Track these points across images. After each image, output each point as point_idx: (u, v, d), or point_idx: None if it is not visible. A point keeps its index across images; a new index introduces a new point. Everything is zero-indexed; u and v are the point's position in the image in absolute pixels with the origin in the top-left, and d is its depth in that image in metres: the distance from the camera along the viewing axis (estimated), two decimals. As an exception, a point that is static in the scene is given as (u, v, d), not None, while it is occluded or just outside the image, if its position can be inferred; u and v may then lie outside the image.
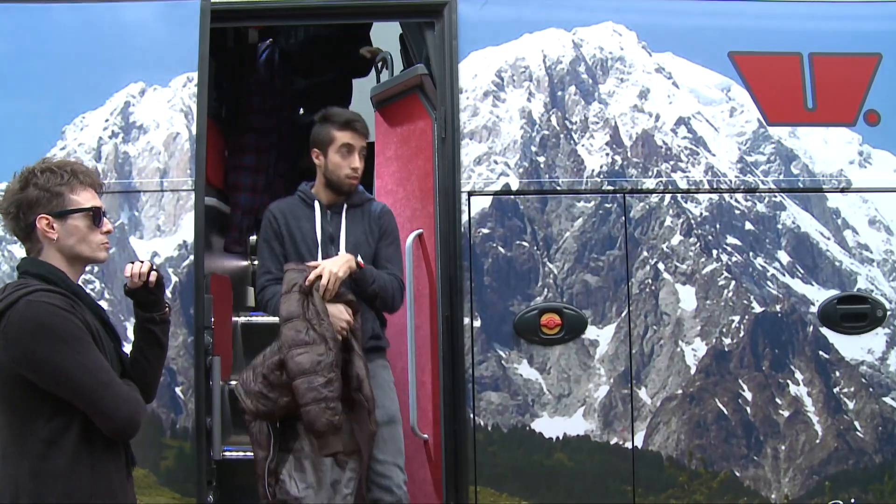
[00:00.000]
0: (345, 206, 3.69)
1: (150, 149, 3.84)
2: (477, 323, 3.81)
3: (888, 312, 3.94)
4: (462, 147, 3.87)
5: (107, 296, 3.74)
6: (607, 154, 3.95)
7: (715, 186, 3.96)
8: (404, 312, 3.88)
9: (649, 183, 3.93)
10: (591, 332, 3.88)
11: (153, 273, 2.66)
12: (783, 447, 3.89)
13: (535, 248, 3.90)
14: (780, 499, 3.84)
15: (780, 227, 4.00)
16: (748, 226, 3.97)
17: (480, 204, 3.87)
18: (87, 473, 2.43)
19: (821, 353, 3.93)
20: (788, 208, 4.00)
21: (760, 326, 3.93)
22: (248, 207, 4.81)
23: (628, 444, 3.83)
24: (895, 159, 4.01)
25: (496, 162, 3.91)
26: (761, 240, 3.97)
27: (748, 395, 3.91)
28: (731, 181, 3.96)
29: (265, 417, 3.41)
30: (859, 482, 3.87)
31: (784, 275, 3.97)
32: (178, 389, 3.72)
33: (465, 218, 3.84)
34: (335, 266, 3.43)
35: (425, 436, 3.97)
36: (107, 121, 3.85)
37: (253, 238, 5.06)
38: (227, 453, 4.07)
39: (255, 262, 4.97)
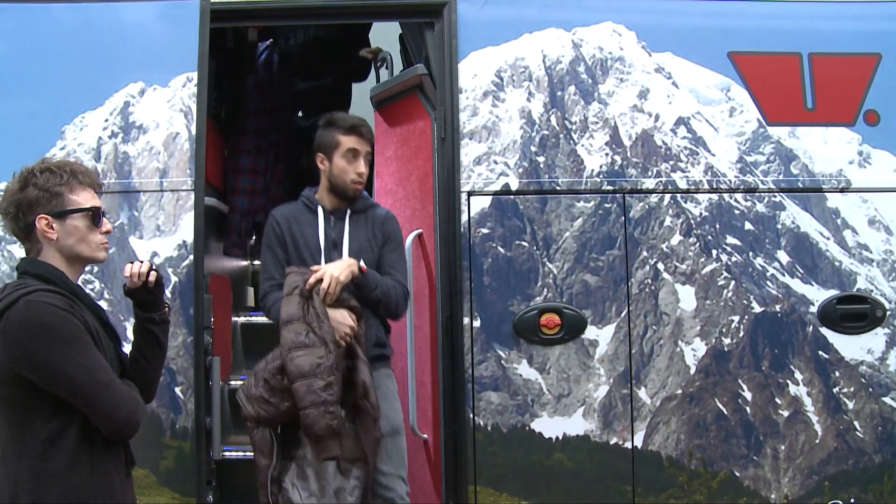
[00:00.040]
0: (348, 211, 3.65)
1: (149, 149, 3.84)
2: (477, 323, 3.81)
3: (888, 312, 3.94)
4: (462, 147, 3.87)
5: (106, 296, 3.74)
6: (607, 154, 3.95)
7: (714, 186, 3.96)
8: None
9: (649, 183, 3.93)
10: (590, 332, 3.88)
11: (153, 273, 2.66)
12: (783, 447, 3.89)
13: (535, 248, 3.90)
14: (779, 499, 3.84)
15: (779, 227, 4.00)
16: (748, 226, 3.97)
17: (480, 204, 3.87)
18: (86, 473, 2.43)
19: (820, 353, 3.93)
20: (788, 208, 4.01)
21: (760, 326, 3.93)
22: (247, 210, 4.79)
23: (628, 444, 3.83)
24: (895, 159, 4.01)
25: (496, 162, 3.91)
26: (761, 240, 3.97)
27: (748, 395, 3.91)
28: (730, 181, 3.96)
29: (267, 423, 3.37)
30: (859, 482, 3.87)
31: (784, 275, 3.97)
32: (177, 389, 3.72)
33: (464, 218, 3.84)
34: (337, 270, 3.39)
35: (425, 436, 3.97)
36: (106, 121, 3.85)
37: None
38: (226, 453, 4.07)
39: (255, 262, 4.99)
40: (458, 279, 3.79)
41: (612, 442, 3.84)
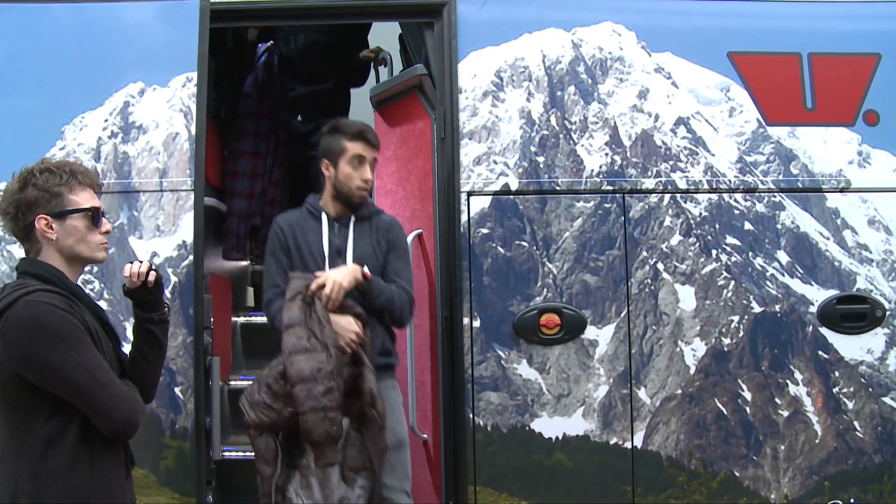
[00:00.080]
0: (352, 218, 3.60)
1: (149, 149, 3.84)
2: (476, 323, 3.81)
3: (887, 312, 3.94)
4: (461, 147, 3.87)
5: (106, 296, 3.74)
6: (607, 154, 3.95)
7: (714, 186, 3.96)
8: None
9: (649, 183, 3.93)
10: (590, 332, 3.88)
11: (152, 273, 2.66)
12: (783, 447, 3.89)
13: (535, 248, 3.90)
14: (779, 499, 3.84)
15: (779, 227, 4.00)
16: (747, 226, 3.97)
17: (480, 204, 3.87)
18: (86, 473, 2.43)
19: (820, 353, 3.93)
20: (788, 208, 4.01)
21: (760, 326, 3.93)
22: (245, 213, 4.75)
23: (628, 444, 3.83)
24: (894, 159, 4.02)
25: (495, 162, 3.91)
26: (761, 240, 3.97)
27: (747, 395, 3.91)
28: (730, 181, 3.97)
29: (270, 430, 3.31)
30: (859, 482, 3.87)
31: (783, 275, 3.97)
32: (177, 389, 3.72)
33: (464, 218, 3.84)
34: (340, 275, 3.35)
35: (425, 436, 3.97)
36: (106, 121, 3.85)
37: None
38: (226, 453, 4.08)
39: (255, 251, 4.98)
40: (458, 279, 3.79)
41: (611, 442, 3.84)
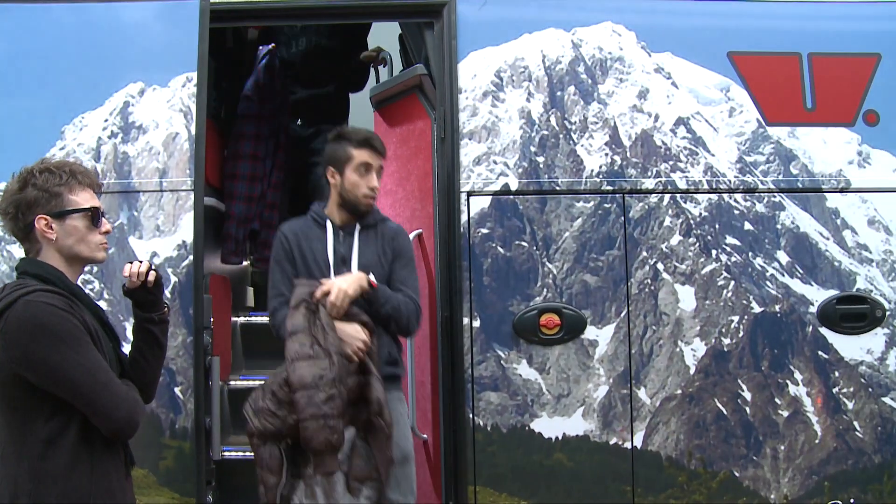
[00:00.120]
0: (357, 226, 3.55)
1: (149, 149, 3.85)
2: (476, 323, 3.81)
3: (887, 312, 3.94)
4: (461, 147, 3.87)
5: (106, 296, 3.74)
6: (606, 154, 3.95)
7: (714, 186, 3.96)
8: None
9: (648, 183, 3.94)
10: (590, 333, 3.88)
11: (152, 273, 2.66)
12: (782, 447, 3.89)
13: (535, 248, 3.90)
14: (779, 499, 3.84)
15: (779, 227, 4.00)
16: (747, 226, 3.97)
17: (480, 204, 3.87)
18: (86, 473, 2.43)
19: (820, 353, 3.93)
20: (788, 208, 4.01)
21: (760, 326, 3.93)
22: (244, 217, 4.71)
23: (627, 445, 3.83)
24: (894, 159, 4.02)
25: (495, 162, 3.91)
26: (760, 240, 3.98)
27: (747, 395, 3.91)
28: (730, 181, 3.97)
29: (273, 438, 3.24)
30: (858, 482, 3.87)
31: (783, 275, 3.97)
32: (177, 389, 3.72)
33: (464, 218, 3.84)
34: (345, 283, 3.30)
35: (424, 436, 3.97)
36: (106, 121, 3.85)
37: (246, 264, 5.03)
38: (226, 453, 4.08)
39: (255, 255, 4.98)
40: (458, 279, 3.79)
41: (611, 442, 3.84)
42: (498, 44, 3.97)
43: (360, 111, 5.19)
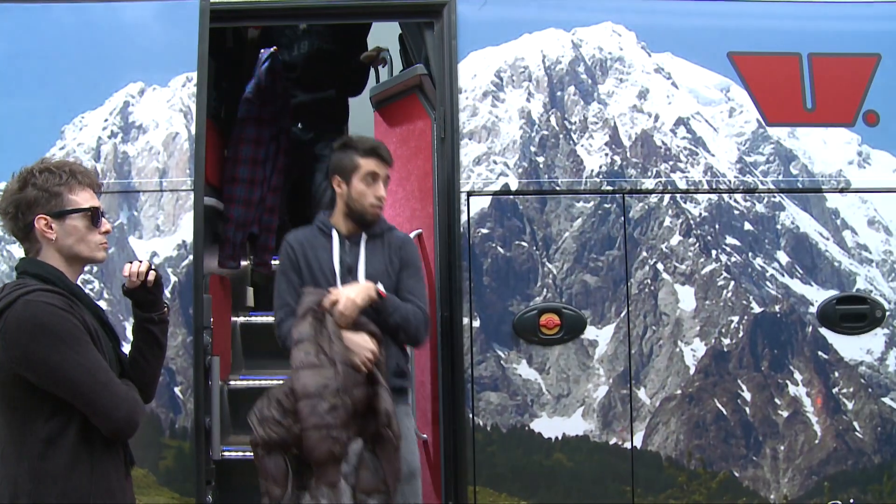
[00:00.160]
0: (364, 236, 3.51)
1: (149, 149, 3.85)
2: (476, 323, 3.81)
3: (887, 313, 3.94)
4: (461, 147, 3.87)
5: (106, 296, 3.74)
6: (606, 154, 3.95)
7: (714, 187, 3.96)
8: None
9: (648, 183, 3.94)
10: (590, 333, 3.88)
11: (151, 273, 2.66)
12: (782, 447, 3.89)
13: (535, 248, 3.90)
14: (778, 499, 3.84)
15: (779, 227, 4.00)
16: (747, 226, 3.97)
17: (480, 204, 3.87)
18: (85, 473, 2.44)
19: (820, 353, 3.93)
20: (787, 209, 4.01)
21: (759, 327, 3.93)
22: (242, 221, 4.65)
23: (627, 445, 3.83)
24: (894, 160, 4.01)
25: (495, 162, 3.91)
26: (760, 240, 3.98)
27: (747, 395, 3.91)
28: (730, 181, 3.97)
29: (278, 448, 3.17)
30: (858, 482, 3.87)
31: (783, 275, 3.98)
32: (177, 389, 3.72)
33: (464, 218, 3.84)
34: (353, 292, 3.26)
35: (424, 436, 3.97)
36: (106, 120, 3.85)
37: (245, 263, 5.01)
38: (226, 453, 4.08)
39: (255, 260, 4.97)
40: (458, 279, 3.79)
41: (611, 442, 3.84)
42: (498, 44, 3.97)
43: (360, 111, 5.19)
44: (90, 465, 2.45)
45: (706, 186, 3.95)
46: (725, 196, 3.97)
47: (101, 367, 2.44)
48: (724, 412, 3.89)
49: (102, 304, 3.58)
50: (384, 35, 5.11)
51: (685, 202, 3.95)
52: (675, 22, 4.05)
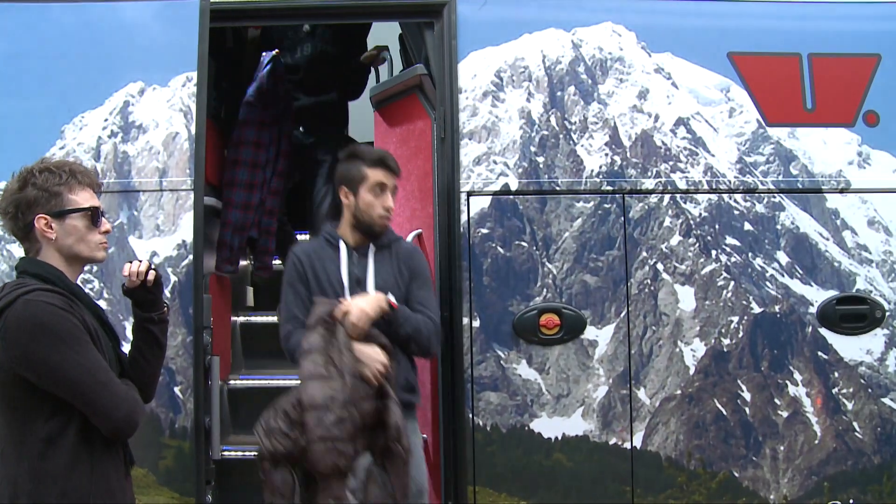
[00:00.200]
0: (371, 247, 3.47)
1: (149, 148, 3.85)
2: (476, 323, 3.81)
3: (887, 313, 3.94)
4: (461, 147, 3.87)
5: (105, 295, 3.74)
6: (606, 154, 3.95)
7: (714, 187, 3.96)
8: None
9: (648, 183, 3.94)
10: (590, 333, 3.88)
11: (151, 272, 2.66)
12: (782, 448, 3.89)
13: (535, 248, 3.90)
14: (778, 499, 3.84)
15: (779, 227, 4.00)
16: (747, 226, 3.97)
17: (479, 204, 3.87)
18: (85, 473, 2.44)
19: (820, 353, 3.93)
20: (787, 209, 4.01)
21: (759, 327, 3.93)
22: (240, 224, 4.61)
23: (627, 445, 3.83)
24: (894, 160, 4.01)
25: (495, 162, 3.91)
26: (760, 240, 3.97)
27: (747, 395, 3.91)
28: (730, 182, 3.97)
29: (285, 460, 3.10)
30: (858, 483, 3.87)
31: (783, 275, 3.98)
32: (176, 389, 3.72)
33: (464, 218, 3.84)
34: (365, 304, 3.21)
35: (424, 436, 3.96)
36: (106, 120, 3.86)
37: (244, 263, 5.00)
38: (225, 453, 4.08)
39: (255, 263, 4.97)
40: (458, 279, 3.79)
41: (611, 442, 3.84)
42: (498, 44, 3.97)
43: (360, 112, 5.19)
44: (90, 464, 2.45)
45: (706, 187, 3.95)
46: (725, 196, 3.97)
47: (101, 366, 2.44)
48: (724, 412, 3.89)
49: (102, 303, 3.59)
50: (384, 35, 5.11)
51: (685, 202, 3.95)
52: (676, 22, 4.05)
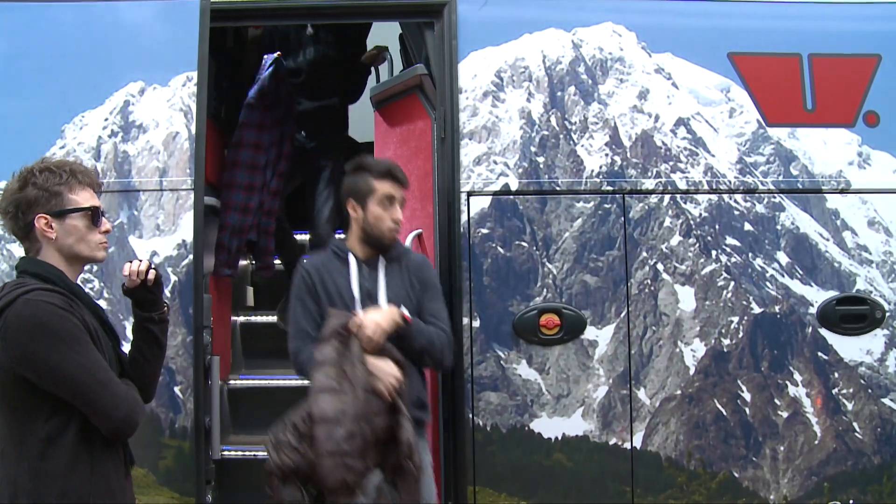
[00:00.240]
0: (381, 259, 3.41)
1: (149, 148, 3.85)
2: (476, 323, 3.81)
3: (887, 314, 3.94)
4: (461, 147, 3.87)
5: (106, 295, 3.74)
6: (607, 154, 3.95)
7: (714, 187, 3.96)
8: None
9: (649, 183, 3.94)
10: (590, 333, 3.88)
11: (151, 272, 2.66)
12: (782, 448, 3.89)
13: (535, 248, 3.90)
14: (778, 499, 3.84)
15: (779, 227, 4.00)
16: (747, 226, 3.97)
17: (480, 204, 3.87)
18: (85, 473, 2.44)
19: (820, 354, 3.93)
20: (788, 209, 4.01)
21: (759, 327, 3.93)
22: (238, 227, 4.57)
23: (627, 445, 3.83)
24: (894, 160, 4.01)
25: (495, 162, 3.91)
26: (760, 241, 3.98)
27: (747, 395, 3.91)
28: (730, 182, 3.97)
29: (295, 475, 3.01)
30: (858, 483, 3.87)
31: (783, 276, 3.98)
32: (176, 389, 3.72)
33: (464, 218, 3.84)
34: (380, 317, 3.16)
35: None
36: (106, 120, 3.86)
37: (244, 263, 4.99)
38: (225, 453, 4.08)
39: (255, 263, 4.97)
40: (458, 279, 3.79)
41: (611, 442, 3.84)
42: (498, 44, 3.97)
43: (360, 112, 5.19)
44: (90, 464, 2.45)
45: (706, 187, 3.95)
46: (725, 196, 3.97)
47: (101, 366, 2.44)
48: (724, 413, 3.89)
49: (102, 303, 3.58)
50: (384, 35, 5.11)
51: (685, 202, 3.95)
52: (676, 22, 4.05)
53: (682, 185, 3.94)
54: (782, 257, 3.99)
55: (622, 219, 3.91)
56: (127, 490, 2.59)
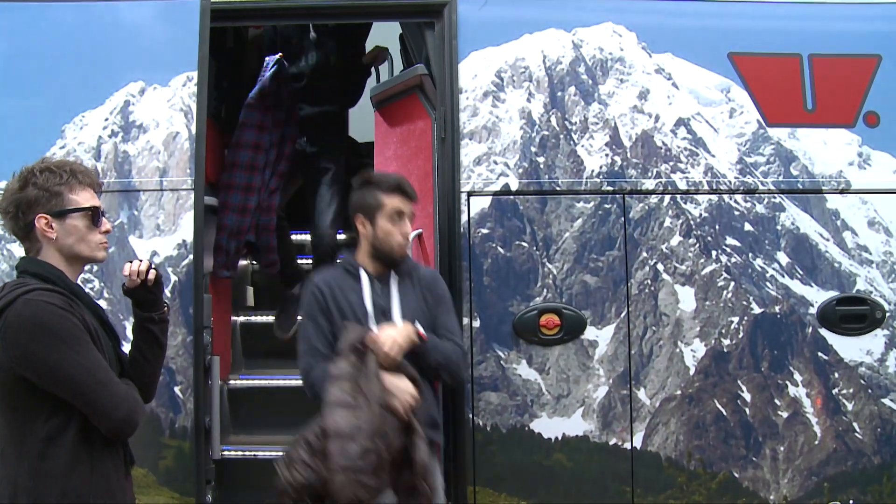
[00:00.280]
0: (393, 275, 3.36)
1: (149, 148, 3.85)
2: (476, 323, 3.82)
3: (887, 314, 3.94)
4: (462, 147, 3.87)
5: (106, 295, 3.74)
6: (607, 155, 3.95)
7: (714, 187, 3.96)
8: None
9: (649, 184, 3.94)
10: (590, 333, 3.88)
11: (152, 272, 2.66)
12: (782, 448, 3.89)
13: (535, 248, 3.90)
14: (778, 500, 3.84)
15: (779, 228, 4.00)
16: (747, 227, 3.97)
17: (480, 204, 3.87)
18: (85, 473, 2.44)
19: (820, 354, 3.93)
20: (788, 209, 4.01)
21: (759, 327, 3.93)
22: (237, 229, 4.53)
23: (627, 445, 3.83)
24: (894, 161, 4.01)
25: (496, 162, 3.91)
26: (761, 241, 3.98)
27: (747, 396, 3.91)
28: (730, 182, 3.97)
29: (306, 493, 2.95)
30: (858, 483, 3.87)
31: (783, 276, 3.98)
32: (177, 389, 3.72)
33: (464, 218, 3.84)
34: (396, 333, 3.11)
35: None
36: (106, 120, 3.86)
37: (244, 263, 4.97)
38: (225, 453, 4.08)
39: (261, 261, 4.96)
40: (458, 279, 3.79)
41: (611, 442, 3.84)
42: (498, 44, 3.97)
43: (361, 113, 5.19)
44: (90, 464, 2.45)
45: (706, 187, 3.95)
46: (726, 197, 3.97)
47: (101, 366, 2.44)
48: (724, 413, 3.89)
49: (102, 303, 3.58)
50: (384, 35, 5.11)
51: (685, 203, 3.95)
52: (676, 22, 4.05)
53: (682, 186, 3.94)
54: (782, 257, 3.99)
55: (622, 219, 3.91)
56: (127, 490, 2.59)
